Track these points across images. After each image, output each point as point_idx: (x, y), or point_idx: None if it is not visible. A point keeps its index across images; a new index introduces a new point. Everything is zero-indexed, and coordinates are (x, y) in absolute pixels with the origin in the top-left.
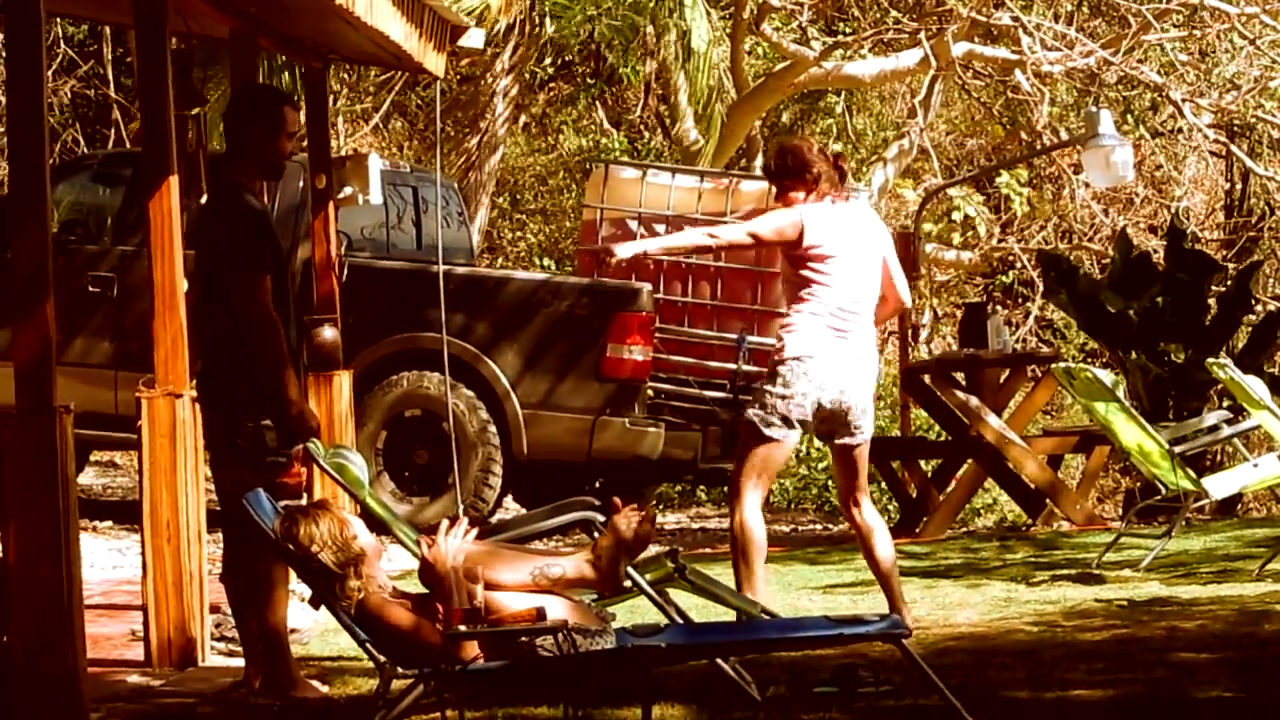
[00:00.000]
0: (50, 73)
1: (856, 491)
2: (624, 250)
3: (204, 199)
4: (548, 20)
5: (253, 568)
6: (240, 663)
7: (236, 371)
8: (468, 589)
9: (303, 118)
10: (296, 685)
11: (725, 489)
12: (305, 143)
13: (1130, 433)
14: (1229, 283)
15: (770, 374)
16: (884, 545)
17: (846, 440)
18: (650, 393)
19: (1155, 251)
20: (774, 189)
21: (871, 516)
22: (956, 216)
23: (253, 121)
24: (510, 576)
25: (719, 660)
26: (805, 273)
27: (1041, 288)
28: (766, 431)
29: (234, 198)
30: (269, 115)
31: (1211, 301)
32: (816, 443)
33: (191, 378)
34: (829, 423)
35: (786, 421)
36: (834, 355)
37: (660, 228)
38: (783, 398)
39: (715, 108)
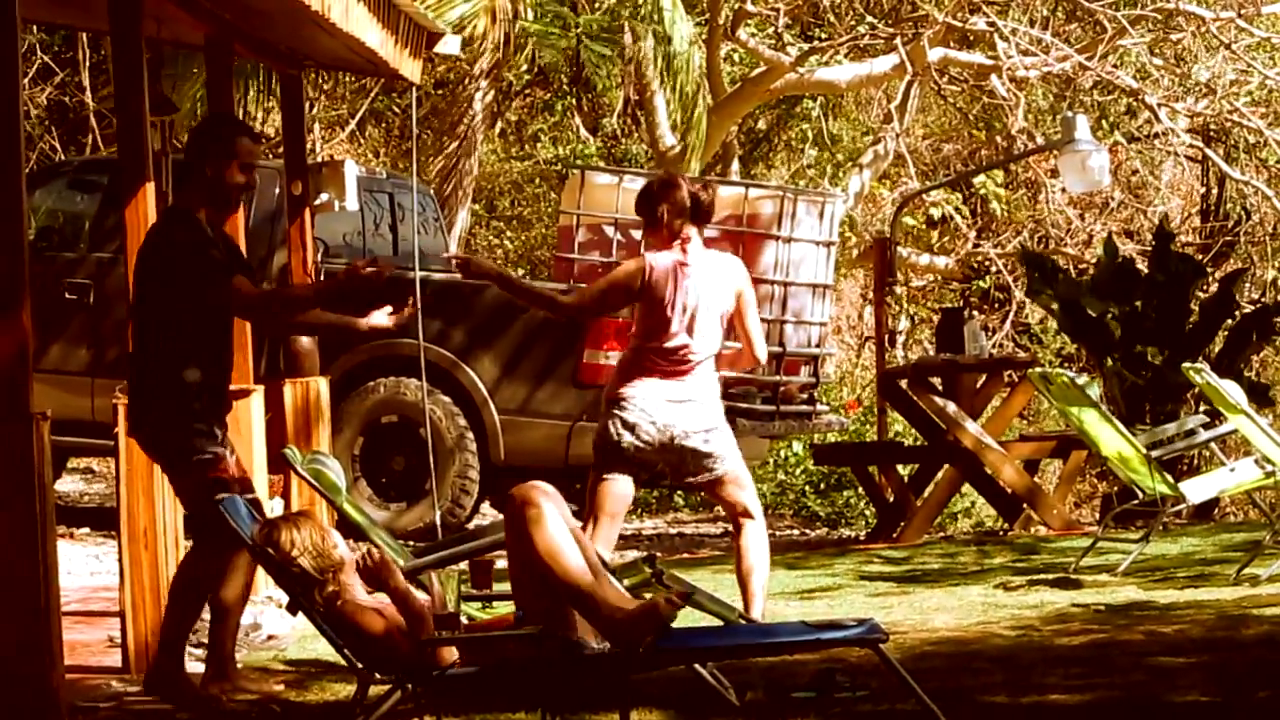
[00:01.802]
0: (26, 80)
1: (741, 517)
2: (478, 269)
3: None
4: (533, 46)
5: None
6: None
7: (160, 385)
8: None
9: (279, 125)
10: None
11: (704, 494)
12: (281, 149)
13: (1107, 437)
14: (1209, 288)
15: (607, 410)
16: (758, 586)
17: (705, 478)
18: None
19: (1133, 257)
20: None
21: (752, 538)
22: (936, 213)
23: (205, 150)
24: None
25: (697, 665)
26: (646, 318)
27: (1021, 290)
28: (606, 472)
29: (185, 220)
30: (223, 144)
31: (1193, 305)
32: (795, 446)
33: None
34: (675, 463)
35: (623, 457)
36: (655, 402)
37: (636, 233)
38: (607, 444)
39: (698, 112)
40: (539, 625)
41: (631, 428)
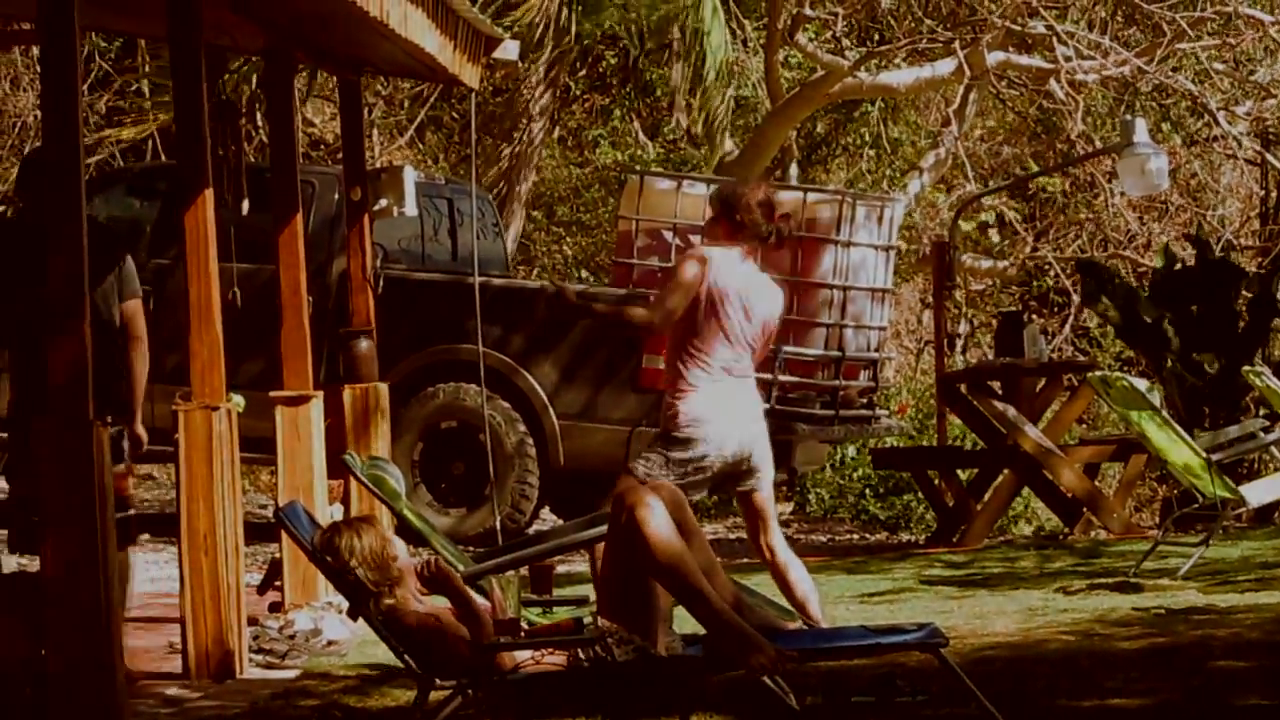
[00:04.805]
0: (85, 86)
1: (767, 534)
2: (567, 303)
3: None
4: (575, 11)
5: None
6: (279, 675)
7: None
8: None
9: (338, 130)
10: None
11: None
12: (340, 154)
13: (1167, 441)
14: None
15: (665, 437)
16: (801, 580)
17: (745, 488)
18: None
19: (1191, 261)
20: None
21: (785, 555)
22: (989, 218)
23: None
24: None
25: None
26: (700, 317)
27: (1078, 296)
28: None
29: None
30: None
31: (1243, 308)
32: (850, 450)
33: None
34: (726, 476)
35: (701, 477)
36: (729, 414)
37: (695, 238)
38: (681, 461)
39: (718, 122)
40: (622, 630)
41: (720, 448)
